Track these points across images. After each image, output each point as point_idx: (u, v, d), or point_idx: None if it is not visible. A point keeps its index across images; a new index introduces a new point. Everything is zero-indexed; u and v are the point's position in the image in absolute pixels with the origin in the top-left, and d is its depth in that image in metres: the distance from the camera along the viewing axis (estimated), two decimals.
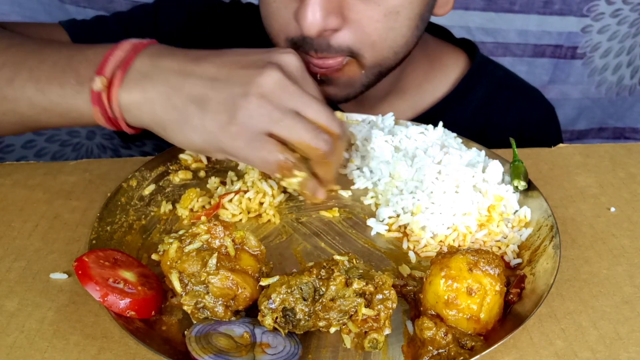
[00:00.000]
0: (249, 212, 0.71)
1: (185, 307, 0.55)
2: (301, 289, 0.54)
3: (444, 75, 1.01)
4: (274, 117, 0.62)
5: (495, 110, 1.02)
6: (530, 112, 1.05)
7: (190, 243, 0.57)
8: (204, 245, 0.57)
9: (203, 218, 0.60)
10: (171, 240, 0.58)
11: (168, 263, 0.56)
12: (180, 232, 0.60)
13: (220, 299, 0.55)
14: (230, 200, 0.71)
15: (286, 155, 0.63)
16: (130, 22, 0.98)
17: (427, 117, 0.96)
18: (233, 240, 0.58)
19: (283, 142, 0.63)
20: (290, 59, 0.66)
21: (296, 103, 0.63)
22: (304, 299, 0.54)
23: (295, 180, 0.66)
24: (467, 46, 1.04)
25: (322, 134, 0.64)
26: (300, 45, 0.76)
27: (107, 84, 0.65)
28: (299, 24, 0.73)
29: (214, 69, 0.64)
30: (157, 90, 0.64)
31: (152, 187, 0.75)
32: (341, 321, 0.54)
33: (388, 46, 0.79)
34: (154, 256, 0.60)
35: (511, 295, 0.58)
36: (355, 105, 0.92)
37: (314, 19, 0.71)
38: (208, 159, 0.80)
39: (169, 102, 0.64)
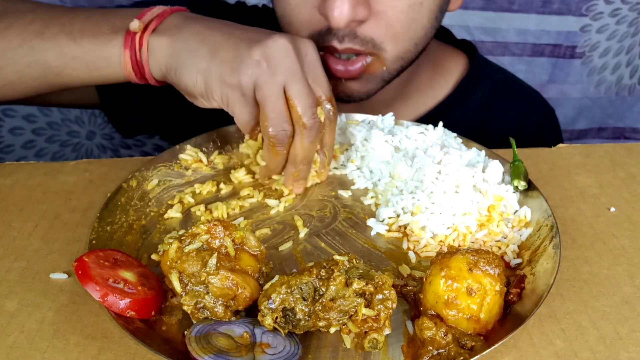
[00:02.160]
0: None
1: (185, 307, 0.55)
2: (301, 289, 0.54)
3: (445, 79, 1.02)
4: (261, 78, 0.66)
5: (494, 113, 1.02)
6: (529, 114, 1.05)
7: (190, 243, 0.57)
8: (204, 246, 0.57)
9: (203, 218, 0.60)
10: (171, 241, 0.58)
11: (168, 263, 0.56)
12: (180, 232, 0.60)
13: (220, 299, 0.55)
14: None
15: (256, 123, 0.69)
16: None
17: (426, 120, 0.94)
18: (233, 240, 0.58)
19: None
20: (308, 43, 0.69)
21: (286, 75, 0.66)
22: (304, 299, 0.54)
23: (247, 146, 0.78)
24: (466, 47, 1.05)
25: (284, 123, 0.68)
26: (324, 38, 0.78)
27: (142, 28, 0.70)
28: (327, 16, 0.74)
29: (236, 29, 0.70)
30: (182, 37, 0.69)
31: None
32: (341, 321, 0.54)
33: (410, 38, 0.80)
34: (154, 256, 0.60)
35: (511, 295, 0.58)
36: (358, 111, 0.92)
37: (343, 10, 0.72)
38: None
39: (186, 44, 0.68)
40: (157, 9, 0.72)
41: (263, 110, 0.67)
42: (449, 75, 1.02)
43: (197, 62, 0.68)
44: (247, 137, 0.75)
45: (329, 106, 0.71)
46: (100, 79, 0.74)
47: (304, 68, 0.68)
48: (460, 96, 1.00)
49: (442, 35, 1.04)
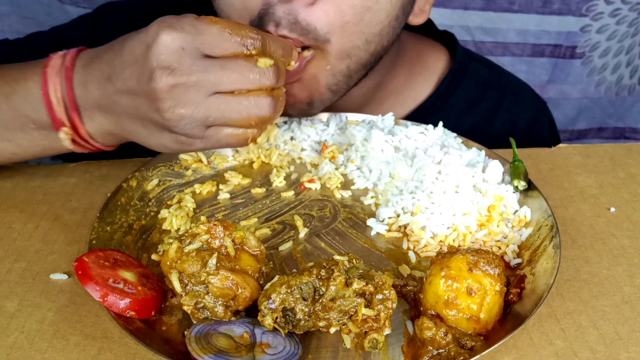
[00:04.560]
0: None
1: (185, 308, 0.55)
2: (301, 289, 0.54)
3: (425, 78, 0.94)
4: (188, 95, 0.60)
5: (482, 113, 0.95)
6: (520, 112, 0.98)
7: (190, 243, 0.57)
8: (204, 246, 0.57)
9: (202, 218, 0.60)
10: (171, 241, 0.58)
11: (168, 263, 0.56)
12: (180, 232, 0.60)
13: (220, 299, 0.55)
14: None
15: (238, 131, 0.63)
16: (66, 35, 0.95)
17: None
18: (233, 241, 0.58)
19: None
20: (184, 21, 0.60)
21: (205, 83, 0.60)
22: (304, 299, 0.54)
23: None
24: (447, 40, 0.97)
25: (258, 101, 0.62)
26: (260, 23, 0.68)
27: (71, 131, 0.67)
28: None
29: (122, 77, 0.62)
30: (111, 122, 0.66)
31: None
32: (341, 321, 0.54)
33: (360, 31, 0.70)
34: (154, 256, 0.61)
35: (511, 295, 0.58)
36: None
37: None
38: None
39: (124, 127, 0.66)
40: (52, 83, 0.66)
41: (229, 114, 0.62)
42: (429, 73, 0.94)
43: (147, 136, 0.65)
44: (249, 146, 0.67)
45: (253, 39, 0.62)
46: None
47: (198, 39, 0.59)
48: (442, 96, 0.92)
49: (422, 27, 0.92)
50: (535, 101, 1.01)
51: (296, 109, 0.77)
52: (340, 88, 0.76)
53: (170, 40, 0.59)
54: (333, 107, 0.82)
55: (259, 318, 0.54)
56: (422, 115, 0.90)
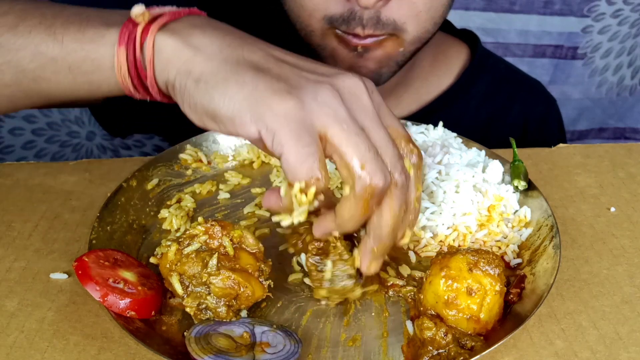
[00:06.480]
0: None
1: (187, 309, 0.55)
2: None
3: (448, 68, 1.00)
4: (339, 114, 0.49)
5: (499, 103, 1.02)
6: (533, 105, 1.05)
7: (188, 245, 0.57)
8: (203, 246, 0.57)
9: (200, 219, 0.60)
10: (169, 243, 0.58)
11: (167, 266, 0.56)
12: (178, 234, 0.59)
13: (222, 299, 0.55)
14: None
15: (322, 172, 0.49)
16: None
17: (431, 110, 0.97)
18: (231, 240, 0.58)
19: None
20: (371, 83, 0.54)
21: (366, 120, 0.51)
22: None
23: (301, 206, 0.51)
24: (467, 37, 1.04)
25: (384, 164, 0.50)
26: (345, 24, 0.72)
27: (149, 19, 0.53)
28: None
29: (282, 53, 0.54)
30: (208, 40, 0.52)
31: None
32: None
33: (431, 17, 0.76)
34: (152, 259, 0.59)
35: (511, 295, 0.58)
36: None
37: None
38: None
39: (217, 54, 0.52)
40: (170, 8, 0.56)
41: (348, 154, 0.49)
42: (451, 64, 1.00)
43: (237, 74, 0.50)
44: (296, 187, 0.49)
45: (414, 156, 0.56)
46: (89, 88, 0.58)
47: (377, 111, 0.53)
48: (464, 86, 0.99)
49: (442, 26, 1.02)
50: (546, 96, 1.08)
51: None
52: (406, 62, 0.82)
53: (360, 86, 0.53)
54: None
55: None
56: (445, 102, 0.97)
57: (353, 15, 0.71)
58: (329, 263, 0.57)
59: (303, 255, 0.60)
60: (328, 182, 0.50)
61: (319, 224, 0.56)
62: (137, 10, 0.53)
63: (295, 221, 0.52)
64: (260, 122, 0.48)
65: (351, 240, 0.58)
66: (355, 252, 0.56)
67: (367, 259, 0.55)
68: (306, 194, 0.49)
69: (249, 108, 0.49)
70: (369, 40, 0.74)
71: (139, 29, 0.53)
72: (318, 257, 0.58)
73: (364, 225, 0.54)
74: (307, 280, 0.62)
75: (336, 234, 0.56)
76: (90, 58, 0.55)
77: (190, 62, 0.52)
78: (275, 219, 0.54)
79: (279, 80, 0.50)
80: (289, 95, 0.48)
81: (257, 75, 0.50)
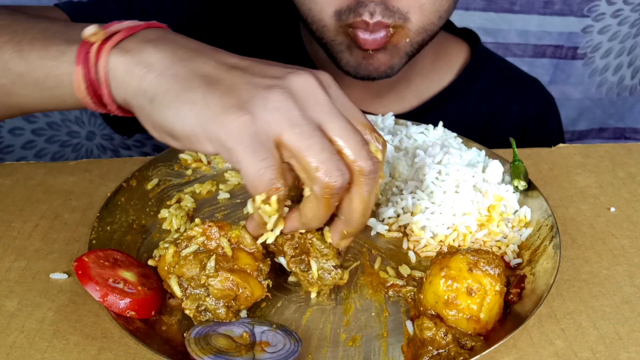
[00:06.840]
0: None
1: (187, 311, 0.55)
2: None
3: (448, 65, 1.02)
4: (292, 117, 0.50)
5: (498, 101, 1.03)
6: (532, 102, 1.06)
7: (186, 247, 0.56)
8: (200, 248, 0.57)
9: (197, 220, 0.60)
10: (167, 245, 0.57)
11: (166, 268, 0.56)
12: (175, 236, 0.59)
13: (221, 300, 0.55)
14: None
15: (281, 181, 0.51)
16: (134, 2, 0.93)
17: (431, 106, 0.98)
18: (229, 240, 0.57)
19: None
20: (326, 75, 0.55)
21: (322, 114, 0.52)
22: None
23: (268, 216, 0.54)
24: (468, 36, 1.06)
25: (340, 162, 0.51)
26: (354, 13, 0.77)
27: (103, 38, 0.54)
28: None
29: (234, 58, 0.54)
30: (159, 56, 0.53)
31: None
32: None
33: (436, 10, 0.80)
34: (150, 262, 0.59)
35: (511, 295, 0.58)
36: (365, 91, 0.92)
37: None
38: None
39: (168, 70, 0.52)
40: (129, 22, 0.56)
41: (303, 158, 0.50)
42: (451, 61, 1.03)
43: (189, 91, 0.50)
44: (257, 200, 0.52)
45: (378, 143, 0.56)
46: (56, 102, 0.59)
47: (335, 104, 0.53)
48: (464, 83, 1.01)
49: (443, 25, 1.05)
50: (545, 94, 1.10)
51: (379, 72, 0.84)
52: (415, 53, 0.85)
53: (312, 82, 0.53)
54: (371, 83, 0.87)
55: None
56: (445, 98, 0.99)
57: (362, 4, 0.76)
58: (313, 264, 0.58)
59: (282, 259, 0.60)
60: (287, 190, 0.52)
61: (285, 223, 0.57)
62: (89, 31, 0.54)
63: (277, 232, 0.56)
64: (216, 141, 0.50)
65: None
66: (326, 229, 0.58)
67: (337, 238, 0.58)
68: (269, 204, 0.52)
69: (202, 128, 0.50)
70: (377, 36, 0.78)
71: (93, 49, 0.54)
72: (303, 265, 0.58)
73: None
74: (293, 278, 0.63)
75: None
76: (52, 75, 0.56)
77: (143, 80, 0.52)
78: (260, 241, 0.57)
79: (229, 94, 0.50)
80: (240, 111, 0.49)
81: (207, 90, 0.50)
